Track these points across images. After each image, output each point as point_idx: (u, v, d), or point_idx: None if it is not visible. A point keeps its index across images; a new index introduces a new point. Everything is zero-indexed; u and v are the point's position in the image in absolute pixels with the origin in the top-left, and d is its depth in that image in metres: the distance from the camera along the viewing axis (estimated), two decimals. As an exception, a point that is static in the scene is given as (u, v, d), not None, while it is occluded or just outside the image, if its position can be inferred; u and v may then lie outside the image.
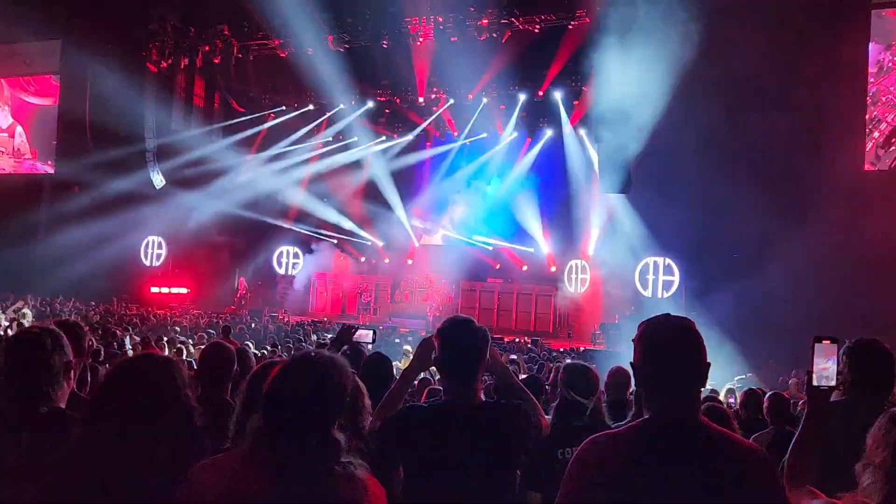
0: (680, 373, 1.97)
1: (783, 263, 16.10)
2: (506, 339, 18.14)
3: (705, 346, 1.99)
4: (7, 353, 2.31)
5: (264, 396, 1.85)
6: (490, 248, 25.94)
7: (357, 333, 4.24)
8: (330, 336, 13.26)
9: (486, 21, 19.12)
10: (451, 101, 24.08)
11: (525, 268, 25.10)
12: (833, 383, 2.32)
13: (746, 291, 17.96)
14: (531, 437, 2.60)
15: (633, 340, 2.07)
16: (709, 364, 1.98)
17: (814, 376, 2.32)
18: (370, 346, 4.63)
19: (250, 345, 10.83)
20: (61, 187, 25.38)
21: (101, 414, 1.97)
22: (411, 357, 2.98)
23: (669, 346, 1.99)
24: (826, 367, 2.31)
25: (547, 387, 5.80)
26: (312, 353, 1.94)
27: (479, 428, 2.51)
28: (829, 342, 2.32)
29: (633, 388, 4.43)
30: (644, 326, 2.06)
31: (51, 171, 25.36)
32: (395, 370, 4.45)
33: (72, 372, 2.39)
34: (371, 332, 4.33)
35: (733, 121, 16.94)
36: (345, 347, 4.10)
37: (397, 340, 15.33)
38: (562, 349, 16.97)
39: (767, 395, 5.07)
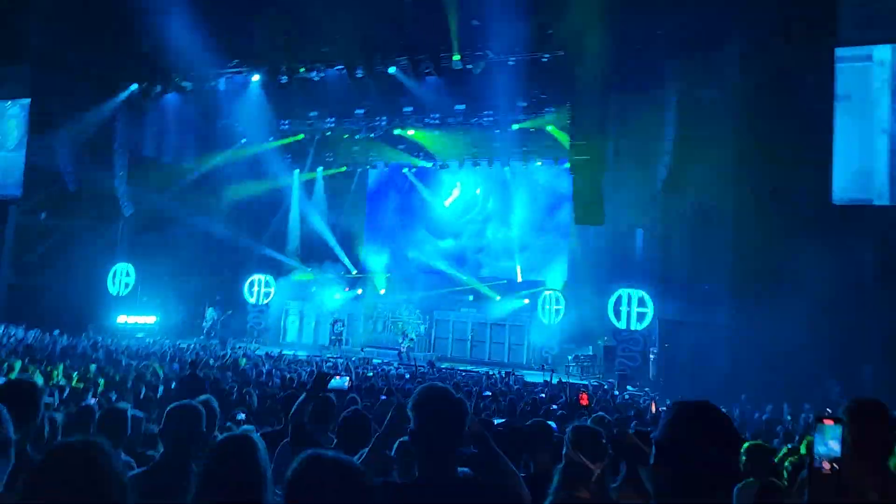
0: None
1: (755, 294, 16.20)
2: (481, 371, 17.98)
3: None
4: None
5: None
6: (464, 278, 25.86)
7: (332, 382, 4.06)
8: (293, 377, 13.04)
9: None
10: (426, 129, 24.14)
11: (498, 298, 25.03)
12: (837, 466, 2.18)
13: (718, 323, 18.09)
14: None
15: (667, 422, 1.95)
16: None
17: (815, 457, 2.18)
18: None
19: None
20: (28, 212, 24.94)
21: None
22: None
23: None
24: (830, 448, 2.18)
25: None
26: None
27: None
28: (832, 421, 2.19)
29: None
30: (682, 409, 1.95)
31: (18, 194, 24.84)
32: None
33: (12, 449, 2.20)
34: (345, 380, 4.12)
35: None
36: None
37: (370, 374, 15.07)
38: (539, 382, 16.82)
39: (746, 446, 4.92)
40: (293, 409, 3.99)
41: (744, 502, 4.46)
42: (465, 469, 2.97)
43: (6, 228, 24.65)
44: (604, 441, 3.39)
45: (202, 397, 4.32)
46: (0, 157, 25.43)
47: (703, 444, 1.85)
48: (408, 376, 14.91)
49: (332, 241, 26.82)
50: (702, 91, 17.52)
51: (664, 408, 11.76)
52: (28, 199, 24.59)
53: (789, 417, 12.00)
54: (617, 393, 15.03)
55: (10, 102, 25.26)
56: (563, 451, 3.51)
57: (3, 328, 19.20)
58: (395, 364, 19.88)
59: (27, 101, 24.62)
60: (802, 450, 6.43)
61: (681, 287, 18.96)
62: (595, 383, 17.89)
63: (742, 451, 4.80)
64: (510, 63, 19.21)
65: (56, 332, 18.56)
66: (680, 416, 1.94)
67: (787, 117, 16.17)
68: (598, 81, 17.73)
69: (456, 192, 27.18)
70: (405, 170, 27.20)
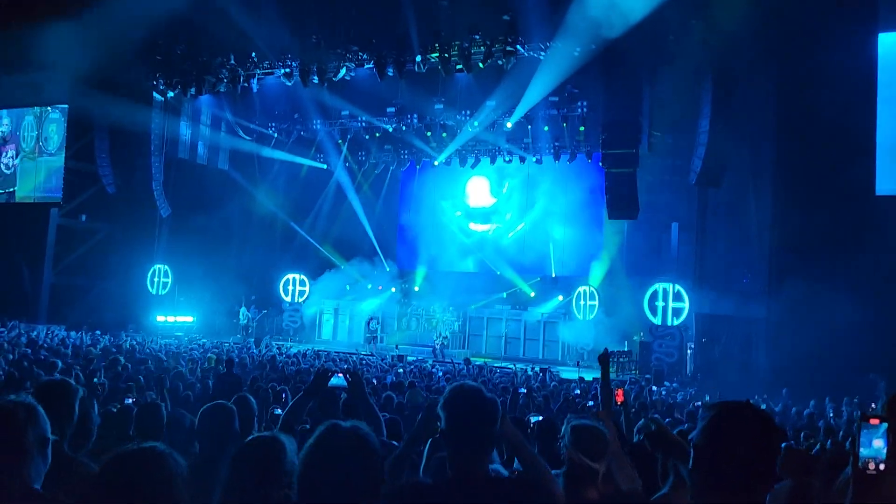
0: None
1: (795, 287, 15.86)
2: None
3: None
4: None
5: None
6: (498, 274, 25.77)
7: (333, 379, 3.88)
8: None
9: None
10: (457, 125, 24.13)
11: (532, 294, 24.90)
12: (882, 467, 2.08)
13: (756, 317, 17.80)
14: None
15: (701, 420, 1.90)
16: None
17: (860, 458, 2.09)
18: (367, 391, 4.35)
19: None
20: (69, 215, 25.53)
21: None
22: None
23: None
24: (876, 448, 2.08)
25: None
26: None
27: None
28: (878, 420, 2.09)
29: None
30: (717, 413, 1.90)
31: (58, 197, 25.41)
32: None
33: (49, 449, 2.22)
34: (345, 377, 3.83)
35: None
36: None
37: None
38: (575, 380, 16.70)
39: (783, 447, 4.79)
40: (288, 407, 3.76)
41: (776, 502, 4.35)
42: (498, 467, 2.93)
43: (48, 231, 25.24)
44: (606, 439, 3.29)
45: (240, 395, 4.32)
46: (42, 161, 26.10)
47: (744, 448, 1.80)
48: (441, 373, 14.89)
49: (366, 239, 26.93)
50: (738, 82, 17.21)
51: (689, 400, 11.60)
52: (68, 202, 25.17)
53: (832, 413, 11.74)
54: (655, 388, 14.82)
55: (50, 108, 25.90)
56: (563, 453, 3.42)
57: (45, 328, 19.65)
58: (430, 361, 19.90)
59: (66, 106, 25.20)
60: (847, 446, 6.28)
61: (718, 281, 18.70)
62: (632, 380, 17.71)
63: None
64: (541, 57, 19.06)
65: (97, 332, 18.92)
66: (720, 418, 1.88)
67: (829, 108, 15.82)
68: (631, 74, 17.52)
69: (486, 187, 27.12)
70: (436, 163, 27.18)
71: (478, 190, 27.41)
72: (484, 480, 2.39)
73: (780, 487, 4.41)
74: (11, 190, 26.51)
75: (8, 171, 26.64)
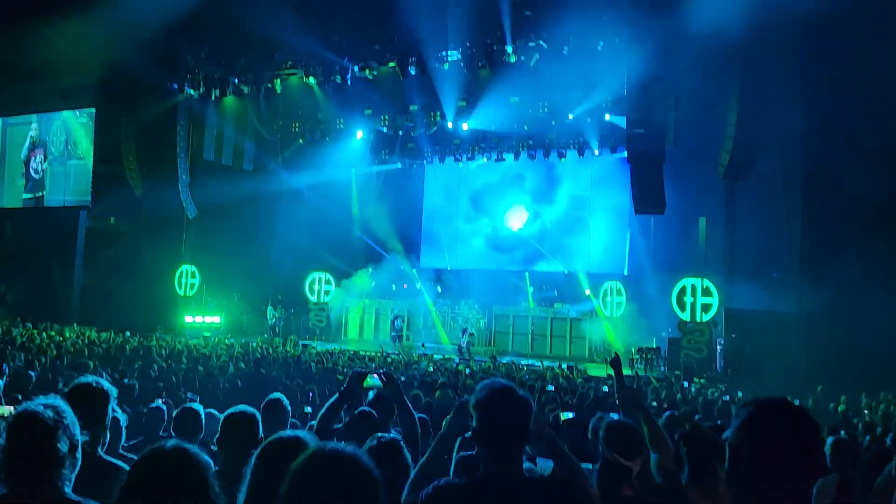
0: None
1: (827, 281, 15.57)
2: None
3: None
4: (7, 434, 2.13)
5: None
6: (523, 271, 25.65)
7: (368, 380, 3.84)
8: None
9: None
10: (478, 121, 24.07)
11: (556, 293, 24.76)
12: None
13: (787, 312, 17.51)
14: None
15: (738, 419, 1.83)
16: None
17: None
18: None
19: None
20: (98, 217, 25.86)
21: None
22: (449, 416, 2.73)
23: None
24: None
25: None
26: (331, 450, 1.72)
27: None
28: None
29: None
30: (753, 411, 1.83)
31: (87, 200, 25.76)
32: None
33: (78, 451, 2.20)
34: (380, 378, 3.82)
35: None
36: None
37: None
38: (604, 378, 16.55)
39: (832, 441, 4.67)
40: (323, 409, 3.74)
41: (823, 498, 4.25)
42: (531, 466, 2.86)
43: (77, 234, 25.60)
44: (641, 437, 3.22)
45: (273, 395, 4.23)
46: (71, 165, 26.48)
47: (782, 447, 1.73)
48: (468, 371, 14.84)
49: (390, 239, 26.95)
50: (766, 73, 16.94)
51: (728, 399, 11.42)
52: (97, 205, 25.50)
53: (867, 412, 11.48)
54: (686, 384, 14.63)
55: (78, 112, 26.25)
56: (599, 450, 3.36)
57: (77, 329, 19.92)
58: (456, 360, 19.85)
59: (93, 110, 25.53)
60: (888, 442, 6.13)
61: (748, 275, 18.42)
62: (658, 377, 17.53)
63: (827, 445, 4.58)
64: (564, 53, 18.92)
65: (127, 333, 19.13)
66: (756, 416, 1.80)
67: (859, 99, 15.51)
68: (656, 67, 17.31)
69: (524, 217, 26.83)
70: (460, 164, 27.12)
71: (516, 217, 27.14)
72: (518, 479, 2.34)
73: (827, 481, 4.32)
74: (41, 194, 26.92)
75: (37, 176, 27.06)
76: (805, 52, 16.69)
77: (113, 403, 2.98)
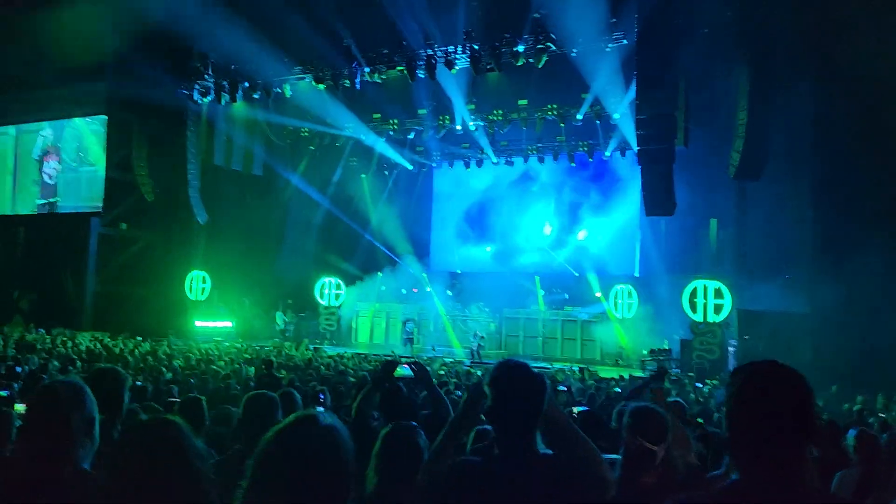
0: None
1: (839, 281, 15.45)
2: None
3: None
4: (28, 409, 2.18)
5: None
6: (533, 274, 25.63)
7: (399, 369, 4.04)
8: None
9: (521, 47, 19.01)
10: (489, 126, 24.13)
11: (566, 296, 24.71)
12: None
13: (800, 312, 17.40)
14: (595, 494, 2.33)
15: (726, 388, 1.83)
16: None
17: None
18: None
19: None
20: (110, 224, 26.01)
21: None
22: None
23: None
24: None
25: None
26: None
27: (537, 485, 2.26)
28: None
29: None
30: (744, 375, 1.82)
31: (99, 206, 25.94)
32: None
33: (96, 429, 2.22)
34: (411, 368, 4.10)
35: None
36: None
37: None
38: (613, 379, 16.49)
39: (856, 433, 4.64)
40: (359, 397, 3.99)
41: (845, 489, 4.22)
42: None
43: (89, 240, 25.75)
44: (666, 421, 3.20)
45: (283, 391, 4.33)
46: (83, 171, 26.66)
47: (774, 404, 1.74)
48: (480, 374, 14.81)
49: (400, 242, 26.99)
50: (776, 73, 16.87)
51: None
52: (109, 211, 25.65)
53: (883, 415, 11.36)
54: (700, 385, 14.54)
55: (89, 119, 26.44)
56: (623, 437, 3.33)
57: (90, 335, 20.03)
58: (467, 363, 19.84)
59: (105, 117, 25.71)
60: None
61: (759, 276, 18.33)
62: (673, 377, 17.45)
63: (850, 437, 4.56)
64: (573, 54, 18.92)
65: (139, 337, 19.21)
66: (746, 379, 1.82)
67: (871, 98, 15.42)
68: (665, 68, 17.28)
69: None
70: (469, 169, 27.16)
71: (514, 189, 27.25)
72: (533, 457, 2.33)
73: (850, 473, 4.30)
74: (54, 200, 27.12)
75: (50, 182, 27.27)
76: (817, 47, 16.60)
77: (128, 389, 3.02)
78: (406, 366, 4.01)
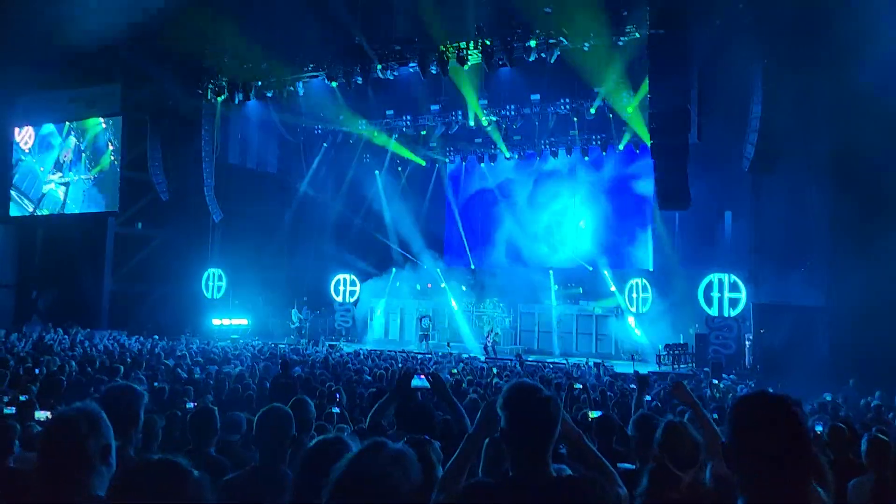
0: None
1: (856, 273, 15.30)
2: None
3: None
4: (43, 439, 2.20)
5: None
6: (548, 268, 25.57)
7: (415, 380, 4.05)
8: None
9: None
10: (502, 121, 24.07)
11: (581, 290, 24.63)
12: None
13: (816, 306, 17.25)
14: None
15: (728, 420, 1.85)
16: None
17: None
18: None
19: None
20: (126, 223, 26.20)
21: None
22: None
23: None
24: None
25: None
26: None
27: None
28: None
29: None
30: (737, 411, 1.84)
31: (115, 206, 26.11)
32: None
33: (112, 456, 2.25)
34: (427, 378, 4.05)
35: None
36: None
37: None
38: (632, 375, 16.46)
39: (867, 438, 4.61)
40: (374, 408, 4.06)
41: (860, 497, 4.19)
42: (561, 466, 2.86)
43: (106, 239, 25.96)
44: (699, 446, 3.15)
45: (298, 398, 4.37)
46: (99, 172, 26.82)
47: (764, 440, 1.77)
48: (495, 370, 14.82)
49: (415, 239, 27.01)
50: (791, 65, 16.68)
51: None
52: (125, 211, 25.84)
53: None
54: (715, 381, 14.47)
55: (104, 119, 26.60)
56: (653, 451, 3.29)
57: (107, 333, 20.22)
58: (482, 359, 19.87)
59: (120, 117, 25.86)
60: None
61: (775, 269, 18.19)
62: (689, 372, 17.40)
63: (863, 443, 4.52)
64: (585, 49, 18.83)
65: (156, 336, 19.37)
66: (737, 412, 1.86)
67: (888, 87, 15.21)
68: (679, 61, 17.15)
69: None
70: (482, 164, 27.12)
71: (526, 184, 27.23)
72: (546, 480, 2.33)
73: (863, 480, 4.26)
74: (70, 201, 27.33)
75: (66, 183, 27.47)
76: (831, 35, 16.39)
77: (144, 406, 3.05)
78: (422, 377, 4.02)
